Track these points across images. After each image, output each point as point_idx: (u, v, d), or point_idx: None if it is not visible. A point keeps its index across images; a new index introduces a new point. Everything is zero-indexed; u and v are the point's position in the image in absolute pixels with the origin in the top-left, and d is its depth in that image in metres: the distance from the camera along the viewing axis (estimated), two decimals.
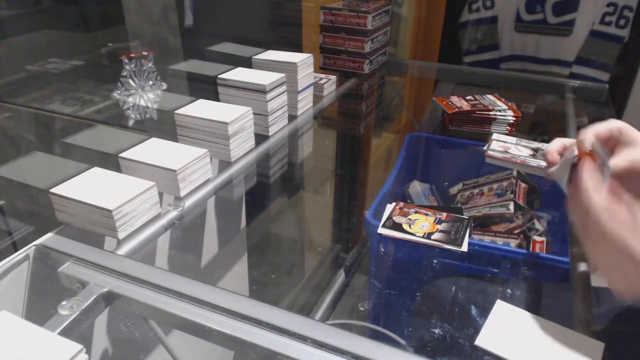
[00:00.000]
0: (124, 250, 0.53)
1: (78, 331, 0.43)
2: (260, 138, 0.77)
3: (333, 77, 1.03)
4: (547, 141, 0.80)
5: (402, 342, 0.77)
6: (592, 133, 0.50)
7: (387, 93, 1.39)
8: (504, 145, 0.81)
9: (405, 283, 0.79)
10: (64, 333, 0.42)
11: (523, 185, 0.99)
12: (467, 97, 1.05)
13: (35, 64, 0.64)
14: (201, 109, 0.71)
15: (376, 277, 0.83)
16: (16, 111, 0.63)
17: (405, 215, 0.71)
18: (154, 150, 0.63)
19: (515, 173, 1.01)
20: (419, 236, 0.66)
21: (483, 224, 0.97)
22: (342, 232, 1.37)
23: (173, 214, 0.59)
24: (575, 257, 0.58)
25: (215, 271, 0.90)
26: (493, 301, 0.49)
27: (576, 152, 0.50)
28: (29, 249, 0.52)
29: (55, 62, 0.67)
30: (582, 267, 0.56)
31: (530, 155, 0.78)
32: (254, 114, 0.73)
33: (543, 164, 0.76)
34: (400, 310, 0.81)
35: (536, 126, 1.30)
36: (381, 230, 0.69)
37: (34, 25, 0.63)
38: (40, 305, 0.54)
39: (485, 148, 0.81)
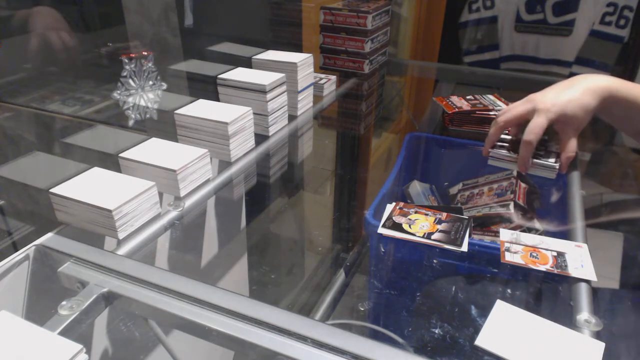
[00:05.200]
0: (124, 250, 0.53)
1: (78, 331, 0.43)
2: (260, 138, 0.77)
3: (333, 77, 1.03)
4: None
5: (402, 342, 0.77)
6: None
7: (387, 93, 1.39)
8: (507, 146, 0.81)
9: (405, 283, 0.79)
10: (64, 333, 0.42)
11: (523, 185, 0.99)
12: (467, 97, 1.05)
13: (35, 64, 0.64)
14: (201, 109, 0.71)
15: (376, 277, 0.83)
16: (16, 111, 0.63)
17: (405, 215, 0.71)
18: (154, 150, 0.63)
19: (515, 173, 1.01)
20: (419, 236, 0.66)
21: (483, 224, 0.97)
22: (342, 232, 1.37)
23: (173, 214, 0.59)
24: None
25: (215, 271, 0.90)
26: (493, 301, 0.49)
27: None
28: (29, 249, 0.52)
29: (56, 62, 0.67)
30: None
31: (531, 155, 0.78)
32: (254, 114, 0.73)
33: (545, 163, 0.76)
34: (400, 310, 0.81)
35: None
36: (381, 230, 0.69)
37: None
38: (40, 305, 0.54)
39: (489, 149, 0.81)
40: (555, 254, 0.58)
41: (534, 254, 0.58)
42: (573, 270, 0.55)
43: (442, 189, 1.11)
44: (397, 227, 0.69)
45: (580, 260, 0.57)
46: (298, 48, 1.17)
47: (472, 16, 1.82)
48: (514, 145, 0.82)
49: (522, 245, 0.60)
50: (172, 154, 0.63)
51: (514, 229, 0.94)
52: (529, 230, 0.94)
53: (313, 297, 1.17)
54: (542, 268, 0.56)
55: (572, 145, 0.73)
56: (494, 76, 1.37)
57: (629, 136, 0.79)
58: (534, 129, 0.71)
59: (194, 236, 0.81)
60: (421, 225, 0.69)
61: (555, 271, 0.55)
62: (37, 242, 0.52)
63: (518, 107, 0.75)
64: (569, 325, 0.47)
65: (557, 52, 1.75)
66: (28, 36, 0.61)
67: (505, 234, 0.63)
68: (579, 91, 0.71)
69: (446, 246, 0.64)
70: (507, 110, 0.77)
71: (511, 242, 0.60)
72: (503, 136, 0.86)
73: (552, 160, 0.76)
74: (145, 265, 0.49)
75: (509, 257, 0.58)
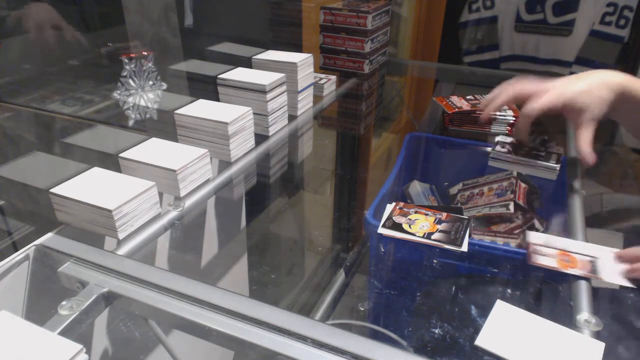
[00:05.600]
0: (124, 250, 0.53)
1: (78, 331, 0.43)
2: (260, 138, 0.77)
3: (333, 77, 1.03)
4: (547, 141, 0.81)
5: (402, 342, 0.77)
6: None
7: (387, 93, 1.39)
8: (508, 147, 0.81)
9: (405, 283, 0.79)
10: (64, 333, 0.42)
11: (523, 185, 0.99)
12: (467, 97, 1.05)
13: (35, 64, 0.64)
14: (201, 109, 0.71)
15: (376, 277, 0.83)
16: (16, 111, 0.63)
17: (405, 215, 0.71)
18: (154, 150, 0.63)
19: (515, 173, 1.01)
20: (419, 236, 0.66)
21: (483, 224, 0.97)
22: (342, 232, 1.37)
23: (173, 214, 0.59)
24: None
25: (215, 271, 0.90)
26: (493, 301, 0.49)
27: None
28: (29, 249, 0.52)
29: (56, 62, 0.67)
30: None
31: (532, 156, 0.78)
32: (254, 114, 0.73)
33: (545, 164, 0.76)
34: (400, 310, 0.81)
35: (536, 126, 1.30)
36: (381, 230, 0.69)
37: None
38: (40, 305, 0.54)
39: (490, 150, 0.81)
40: (587, 258, 0.57)
41: (565, 258, 0.57)
42: (606, 275, 0.54)
43: (442, 189, 1.11)
44: (397, 227, 0.69)
45: (612, 264, 0.56)
46: (298, 48, 1.17)
47: (472, 16, 1.82)
48: (514, 147, 0.82)
49: (553, 249, 0.59)
50: (172, 154, 0.63)
51: (514, 229, 0.94)
52: (529, 230, 0.94)
53: (313, 297, 1.17)
54: (575, 272, 0.54)
55: (585, 136, 0.70)
56: (494, 76, 1.36)
57: (634, 137, 0.78)
58: (534, 103, 0.71)
59: (194, 236, 0.81)
60: (421, 225, 0.69)
61: (588, 276, 0.54)
62: (37, 242, 0.52)
63: (534, 85, 0.74)
64: (569, 325, 0.47)
65: (557, 52, 1.75)
66: (28, 36, 0.61)
67: (533, 237, 0.61)
68: (593, 84, 0.71)
69: (446, 246, 0.64)
70: (525, 82, 0.76)
71: (541, 245, 0.59)
72: (503, 137, 0.86)
73: (552, 161, 0.76)
74: (145, 265, 0.49)
75: (540, 260, 0.56)
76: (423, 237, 0.66)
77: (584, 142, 0.70)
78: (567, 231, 0.66)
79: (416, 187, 1.06)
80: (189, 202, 0.61)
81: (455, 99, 1.05)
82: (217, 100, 0.80)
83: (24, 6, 0.60)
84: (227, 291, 0.46)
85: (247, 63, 0.88)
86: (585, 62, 1.72)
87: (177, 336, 0.55)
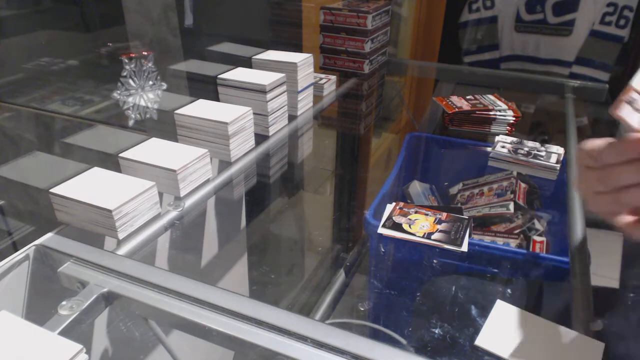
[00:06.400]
0: (124, 250, 0.53)
1: (78, 331, 0.43)
2: (260, 138, 0.77)
3: (333, 77, 1.03)
4: (547, 141, 0.81)
5: (403, 341, 0.77)
6: None
7: (387, 93, 1.39)
8: (508, 147, 0.81)
9: (405, 283, 0.79)
10: (64, 333, 0.42)
11: (523, 185, 0.99)
12: (467, 97, 1.05)
13: (35, 63, 0.64)
14: (201, 109, 0.71)
15: (376, 277, 0.83)
16: (16, 111, 0.63)
17: (405, 215, 0.71)
18: (154, 150, 0.64)
19: (515, 173, 1.01)
20: (419, 236, 0.66)
21: (483, 224, 0.97)
22: (342, 232, 1.37)
23: (173, 214, 0.59)
24: (575, 257, 0.58)
25: (215, 271, 0.90)
26: (493, 301, 0.49)
27: None
28: (29, 249, 0.52)
29: (56, 62, 0.67)
30: (582, 267, 0.56)
31: (532, 156, 0.78)
32: (254, 114, 0.73)
33: (546, 164, 0.76)
34: (400, 310, 0.81)
35: (536, 126, 1.30)
36: (381, 230, 0.69)
37: (34, 25, 0.63)
38: (40, 305, 0.54)
39: (490, 150, 0.81)
40: None
41: None
42: None
43: (442, 189, 1.11)
44: (397, 227, 0.69)
45: None
46: (298, 48, 1.17)
47: (472, 16, 1.82)
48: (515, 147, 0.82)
49: None
50: (172, 154, 0.63)
51: (514, 229, 0.94)
52: (529, 230, 0.94)
53: (313, 297, 1.17)
54: None
55: None
56: (494, 76, 1.37)
57: None
58: None
59: (194, 236, 0.81)
60: (421, 225, 0.69)
61: None
62: (37, 242, 0.52)
63: None
64: (569, 325, 0.47)
65: (557, 52, 1.75)
66: (28, 36, 0.61)
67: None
68: None
69: (446, 246, 0.64)
70: None
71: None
72: (503, 137, 0.86)
73: (552, 161, 0.76)
74: (145, 265, 0.49)
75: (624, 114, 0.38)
76: (423, 237, 0.66)
77: None
78: (567, 232, 0.66)
79: (416, 187, 1.06)
80: (189, 202, 0.61)
81: (455, 99, 1.05)
82: (217, 100, 0.80)
83: (24, 7, 0.60)
84: (227, 291, 0.46)
85: (247, 63, 0.88)
86: (585, 62, 1.72)
87: (177, 336, 0.55)
